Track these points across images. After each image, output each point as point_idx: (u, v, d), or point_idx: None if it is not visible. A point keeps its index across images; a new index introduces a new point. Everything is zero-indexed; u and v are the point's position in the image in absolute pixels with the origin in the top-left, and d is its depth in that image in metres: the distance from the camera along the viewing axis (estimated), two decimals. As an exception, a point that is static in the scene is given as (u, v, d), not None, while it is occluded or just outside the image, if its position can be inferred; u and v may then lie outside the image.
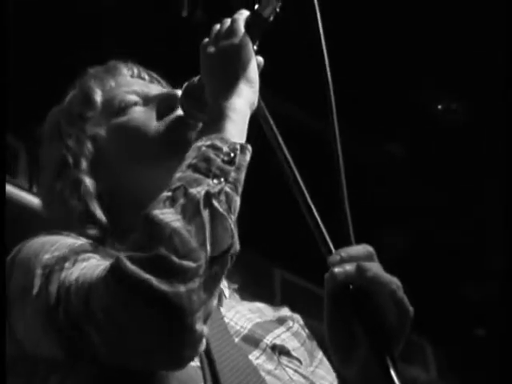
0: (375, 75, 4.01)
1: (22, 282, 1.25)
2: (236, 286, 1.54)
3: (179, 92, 1.49)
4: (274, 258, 4.77)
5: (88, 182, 1.46)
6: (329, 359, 1.47)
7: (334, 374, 1.44)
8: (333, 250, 1.24)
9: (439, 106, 4.32)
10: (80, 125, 1.52)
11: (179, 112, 1.48)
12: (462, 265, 4.91)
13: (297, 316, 1.55)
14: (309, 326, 1.56)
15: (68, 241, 1.30)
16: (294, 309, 1.59)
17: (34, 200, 3.42)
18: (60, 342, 1.19)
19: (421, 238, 4.89)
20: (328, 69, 1.33)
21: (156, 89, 1.57)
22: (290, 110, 3.98)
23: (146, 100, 1.53)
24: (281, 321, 1.50)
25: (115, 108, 1.51)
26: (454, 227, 4.74)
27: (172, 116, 1.48)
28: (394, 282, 1.21)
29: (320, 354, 1.50)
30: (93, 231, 1.41)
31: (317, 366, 1.46)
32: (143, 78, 1.61)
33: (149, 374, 1.20)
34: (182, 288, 1.08)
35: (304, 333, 1.52)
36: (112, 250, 1.31)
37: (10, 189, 3.65)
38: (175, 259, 1.09)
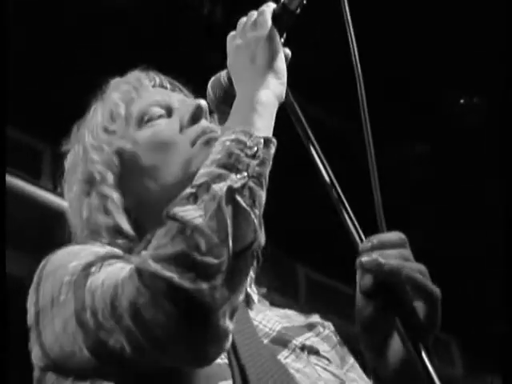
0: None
1: (50, 291, 1.26)
2: (265, 291, 1.53)
3: (202, 102, 1.49)
4: (298, 256, 4.76)
5: (115, 196, 1.46)
6: (361, 365, 1.45)
7: (366, 380, 1.42)
8: (364, 239, 1.22)
9: (461, 101, 4.29)
10: (105, 138, 1.51)
11: (203, 123, 1.48)
12: (485, 262, 4.89)
13: (328, 323, 1.54)
14: (334, 324, 1.55)
15: (94, 249, 1.31)
16: (318, 306, 1.57)
17: (57, 201, 3.43)
18: (88, 346, 1.19)
19: (443, 236, 4.87)
20: (359, 68, 1.31)
21: (178, 98, 1.56)
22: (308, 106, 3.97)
23: (169, 110, 1.52)
24: (310, 327, 1.49)
25: (139, 121, 1.51)
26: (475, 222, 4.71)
27: (196, 128, 1.47)
28: (414, 267, 1.19)
29: (351, 360, 1.48)
30: (120, 241, 1.41)
31: (348, 370, 1.45)
32: (165, 87, 1.60)
33: (176, 373, 1.20)
34: (204, 285, 1.09)
35: (335, 338, 1.51)
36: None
37: (34, 190, 3.67)
38: (197, 256, 1.09)
